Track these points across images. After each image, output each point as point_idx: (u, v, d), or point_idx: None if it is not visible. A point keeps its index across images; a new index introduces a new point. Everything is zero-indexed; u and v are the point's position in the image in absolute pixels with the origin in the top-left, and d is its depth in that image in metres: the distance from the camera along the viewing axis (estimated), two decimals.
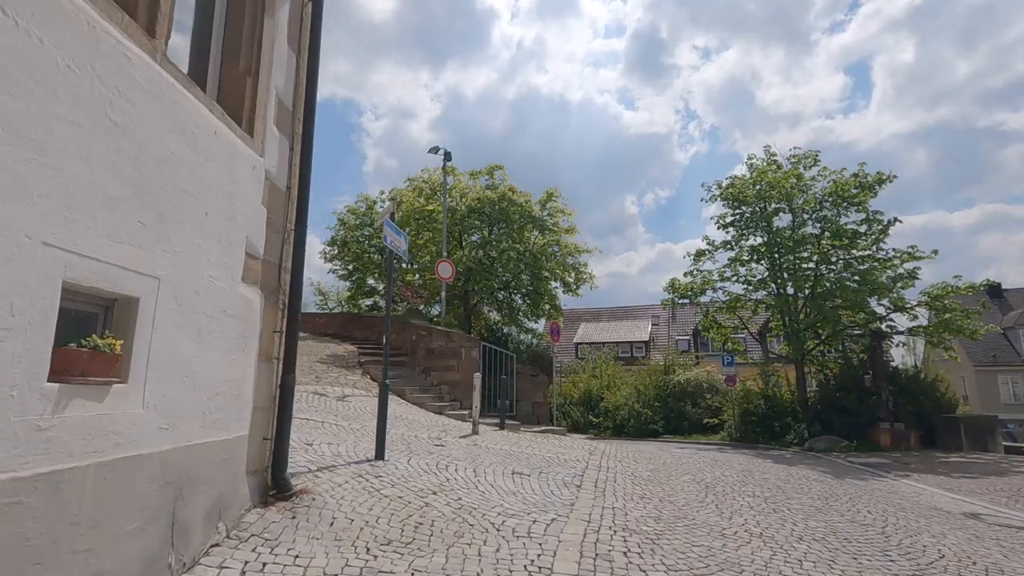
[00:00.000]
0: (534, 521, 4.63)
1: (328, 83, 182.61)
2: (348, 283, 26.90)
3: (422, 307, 20.15)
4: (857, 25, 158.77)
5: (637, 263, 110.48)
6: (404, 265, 24.71)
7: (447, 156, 16.13)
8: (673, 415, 22.21)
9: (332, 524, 3.94)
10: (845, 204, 16.72)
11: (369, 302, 26.71)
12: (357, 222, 25.96)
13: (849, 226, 16.75)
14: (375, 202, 26.31)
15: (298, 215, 4.66)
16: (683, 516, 5.44)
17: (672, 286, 18.90)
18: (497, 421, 11.18)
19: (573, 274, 18.19)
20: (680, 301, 19.16)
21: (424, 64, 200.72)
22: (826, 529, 5.30)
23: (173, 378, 3.04)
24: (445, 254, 15.52)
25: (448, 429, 9.25)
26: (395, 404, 10.99)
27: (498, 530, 4.29)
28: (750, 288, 18.08)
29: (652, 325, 44.44)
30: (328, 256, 26.26)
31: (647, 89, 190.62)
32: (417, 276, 19.93)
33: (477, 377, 9.56)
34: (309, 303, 32.56)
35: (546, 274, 17.63)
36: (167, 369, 2.98)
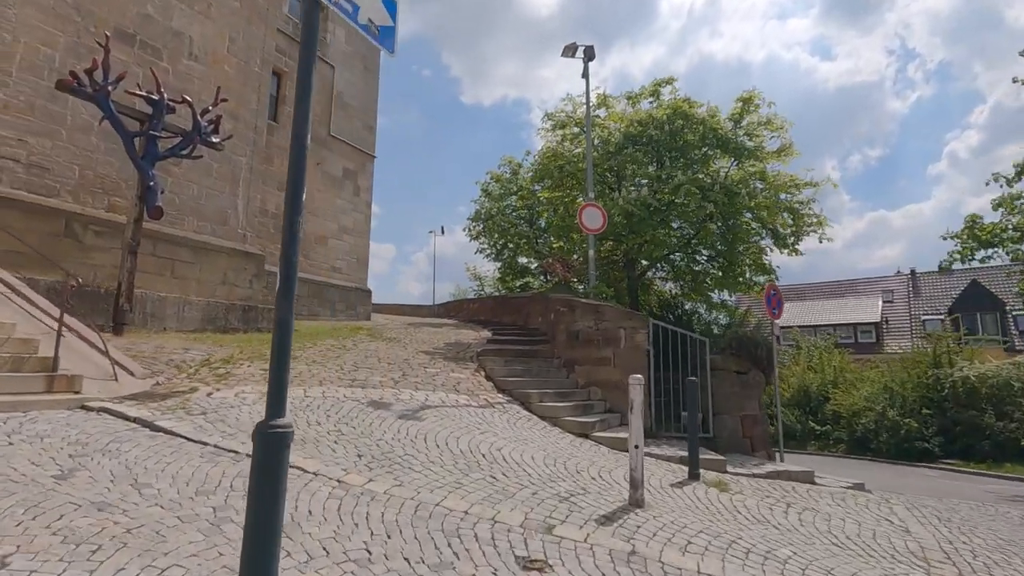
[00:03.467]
0: None
1: (499, 86, 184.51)
2: (498, 263, 23.95)
3: (580, 285, 15.67)
4: None
5: (841, 236, 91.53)
6: (544, 238, 20.58)
7: (588, 54, 11.10)
8: (959, 429, 14.88)
9: None
10: None
11: (520, 283, 23.36)
12: (501, 191, 22.67)
13: None
14: (519, 165, 22.57)
15: None
16: None
17: (970, 230, 11.65)
18: (684, 457, 6.25)
19: (791, 218, 11.85)
20: (984, 255, 11.83)
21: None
22: None
23: None
24: (591, 196, 10.68)
25: (581, 489, 4.60)
26: (504, 421, 6.61)
27: None
28: None
29: (884, 302, 34.43)
30: (473, 232, 23.29)
31: (849, 32, 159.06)
32: (564, 243, 15.39)
33: (637, 386, 4.66)
34: (467, 289, 30.54)
35: (747, 220, 11.70)
36: None
